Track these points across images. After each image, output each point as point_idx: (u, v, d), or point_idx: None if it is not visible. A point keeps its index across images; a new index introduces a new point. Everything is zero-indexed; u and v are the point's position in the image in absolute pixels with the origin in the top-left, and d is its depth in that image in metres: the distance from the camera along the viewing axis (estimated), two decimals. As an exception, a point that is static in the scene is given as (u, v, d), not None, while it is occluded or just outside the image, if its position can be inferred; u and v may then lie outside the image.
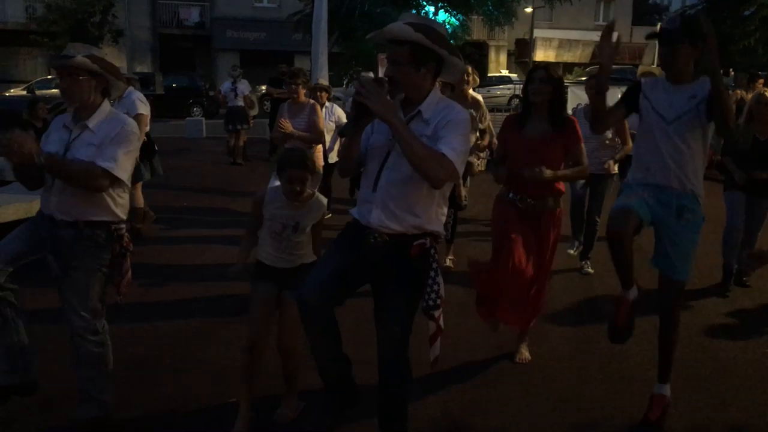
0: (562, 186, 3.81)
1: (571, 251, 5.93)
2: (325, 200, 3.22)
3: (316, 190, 3.28)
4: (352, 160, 2.66)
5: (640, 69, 8.55)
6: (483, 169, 6.17)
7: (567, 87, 16.66)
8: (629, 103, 3.23)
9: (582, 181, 5.67)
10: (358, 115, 2.45)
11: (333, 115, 7.06)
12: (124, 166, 2.95)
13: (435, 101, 2.55)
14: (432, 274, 2.54)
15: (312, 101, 5.91)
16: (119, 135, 2.94)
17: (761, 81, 8.67)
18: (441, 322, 2.60)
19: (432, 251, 2.57)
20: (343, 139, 2.67)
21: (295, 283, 3.08)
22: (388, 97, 2.45)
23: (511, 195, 3.76)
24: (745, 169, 5.19)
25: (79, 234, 2.94)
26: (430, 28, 2.46)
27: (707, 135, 3.08)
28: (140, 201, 6.56)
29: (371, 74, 7.91)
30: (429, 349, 2.61)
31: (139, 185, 6.49)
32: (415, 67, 2.47)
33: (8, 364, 3.08)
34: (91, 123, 2.94)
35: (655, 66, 7.76)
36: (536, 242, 3.72)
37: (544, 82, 3.64)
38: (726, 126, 2.95)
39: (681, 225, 3.07)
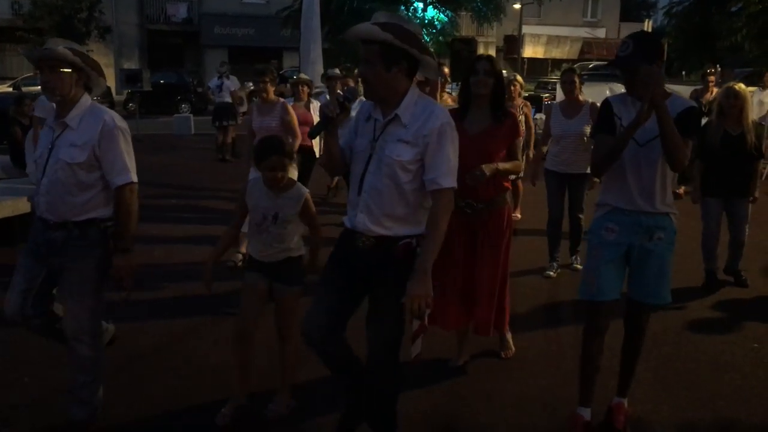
0: (508, 183, 3.74)
1: (551, 273, 5.56)
2: (305, 190, 3.19)
3: (296, 180, 3.28)
4: (335, 161, 2.71)
5: None
6: None
7: (555, 84, 16.66)
8: (608, 127, 2.97)
9: (557, 200, 5.63)
10: (324, 121, 2.56)
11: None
12: (132, 166, 2.93)
13: (412, 102, 2.52)
14: None
15: (282, 100, 5.73)
16: (107, 139, 2.85)
17: (713, 78, 8.65)
18: (426, 321, 2.55)
19: (418, 251, 2.52)
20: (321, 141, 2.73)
21: (285, 275, 3.15)
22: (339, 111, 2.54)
23: (458, 201, 3.38)
24: (717, 166, 5.21)
25: (69, 234, 2.88)
26: (400, 27, 2.43)
27: None
28: None
29: (336, 71, 7.94)
30: (411, 346, 2.60)
31: None
32: (386, 67, 2.45)
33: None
34: (70, 119, 2.86)
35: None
36: (489, 246, 3.62)
37: (488, 75, 3.51)
38: (674, 164, 2.81)
39: (653, 245, 2.98)
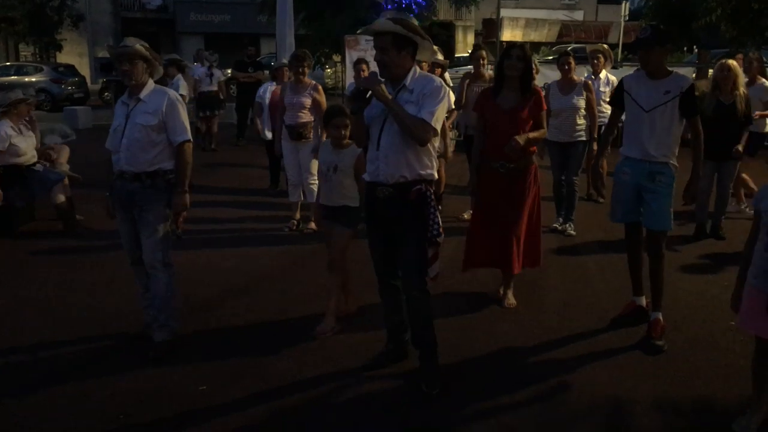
0: (534, 147, 4.45)
1: (557, 225, 6.40)
2: (360, 149, 3.83)
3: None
4: (362, 132, 3.44)
5: (589, 48, 8.70)
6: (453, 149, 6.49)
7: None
8: (618, 103, 4.15)
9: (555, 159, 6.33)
10: (360, 98, 3.20)
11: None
12: (188, 128, 3.81)
13: (415, 75, 3.29)
14: (431, 210, 3.29)
15: (314, 82, 6.27)
16: (171, 107, 3.73)
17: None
18: (438, 249, 3.36)
19: (428, 194, 3.29)
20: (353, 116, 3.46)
21: (341, 218, 4.05)
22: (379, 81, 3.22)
23: (493, 163, 4.33)
24: (710, 132, 5.49)
25: (143, 184, 3.72)
26: (406, 21, 3.22)
27: (679, 118, 3.88)
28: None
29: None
30: (429, 269, 3.34)
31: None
32: (397, 51, 3.20)
33: (151, 317, 3.92)
34: (142, 96, 3.75)
35: (605, 46, 8.05)
36: (519, 198, 4.36)
37: (520, 60, 4.23)
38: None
39: (656, 185, 3.92)
